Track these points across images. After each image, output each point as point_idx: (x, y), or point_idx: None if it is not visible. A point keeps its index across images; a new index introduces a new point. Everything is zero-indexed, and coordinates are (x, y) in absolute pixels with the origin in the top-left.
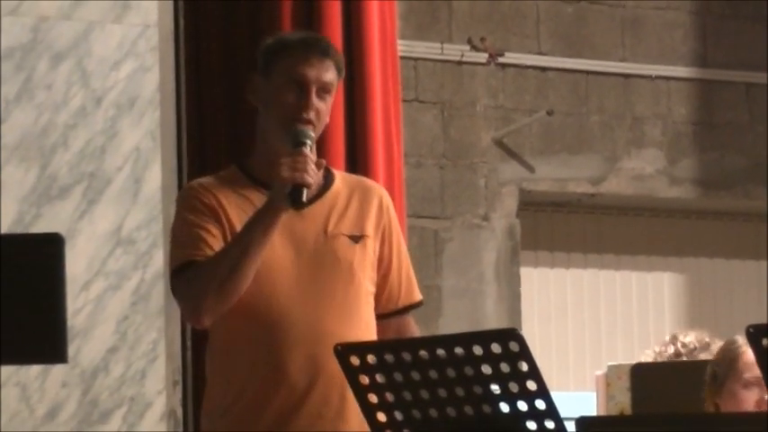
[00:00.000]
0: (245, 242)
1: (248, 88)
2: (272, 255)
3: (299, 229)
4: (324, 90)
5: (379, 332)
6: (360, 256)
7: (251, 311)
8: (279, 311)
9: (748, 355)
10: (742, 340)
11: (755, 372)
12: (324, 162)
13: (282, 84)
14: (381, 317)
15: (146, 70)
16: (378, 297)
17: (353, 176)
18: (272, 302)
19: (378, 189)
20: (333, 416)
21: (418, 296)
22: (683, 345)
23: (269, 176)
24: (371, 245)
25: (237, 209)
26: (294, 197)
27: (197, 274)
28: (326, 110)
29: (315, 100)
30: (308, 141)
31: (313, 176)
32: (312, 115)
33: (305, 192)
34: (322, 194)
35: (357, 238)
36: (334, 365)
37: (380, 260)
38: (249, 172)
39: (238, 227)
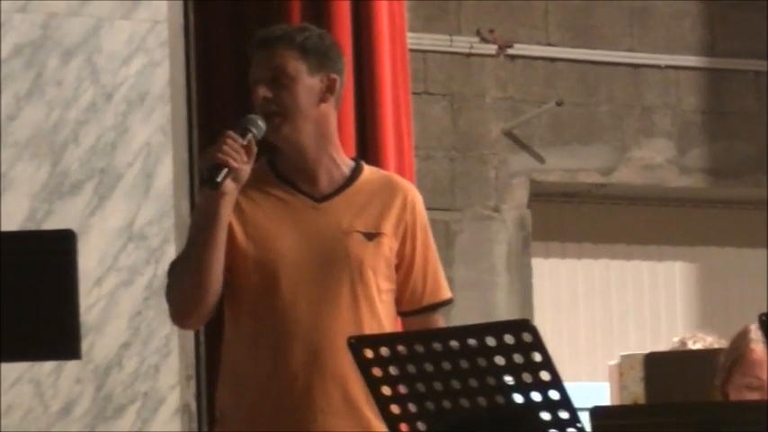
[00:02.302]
0: (193, 237)
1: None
2: (281, 247)
3: (315, 223)
4: (279, 78)
5: (404, 329)
6: (372, 253)
7: (256, 305)
8: (283, 306)
9: (756, 353)
10: (754, 333)
11: (759, 374)
12: (255, 149)
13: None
14: (406, 314)
15: (156, 65)
16: (400, 295)
17: (384, 173)
18: (276, 297)
19: (404, 187)
20: (335, 412)
21: (446, 294)
22: None
23: (292, 172)
24: (388, 243)
25: (253, 204)
26: (209, 176)
27: (169, 279)
28: (295, 94)
29: (262, 90)
30: (252, 128)
31: (235, 159)
32: (262, 103)
33: (222, 173)
34: (344, 189)
35: (372, 236)
36: (336, 362)
37: (401, 258)
38: (275, 167)
39: (255, 223)
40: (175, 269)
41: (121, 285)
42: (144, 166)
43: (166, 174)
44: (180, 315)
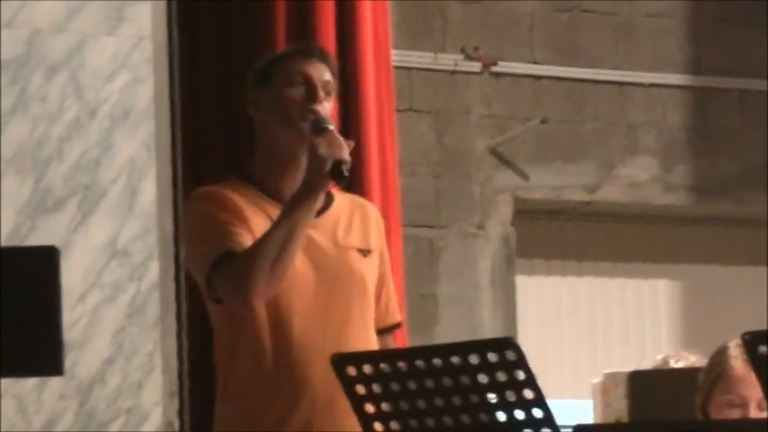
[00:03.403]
0: (289, 223)
1: (249, 104)
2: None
3: (314, 239)
4: (325, 91)
5: None
6: (369, 270)
7: (270, 323)
8: (299, 326)
9: (736, 370)
10: (732, 350)
11: (739, 391)
12: (353, 143)
13: (285, 85)
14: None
15: (140, 82)
16: None
17: (347, 194)
18: (292, 315)
19: (373, 207)
20: (355, 427)
21: (400, 316)
22: None
23: (273, 184)
24: (376, 260)
25: (254, 215)
26: (336, 173)
27: (243, 260)
28: (329, 111)
29: (321, 94)
30: (330, 126)
31: (348, 152)
32: (320, 109)
33: (345, 167)
34: (327, 207)
35: (365, 252)
36: None
37: (378, 277)
38: (254, 181)
39: (258, 233)
40: (262, 253)
41: (105, 302)
42: (128, 183)
43: (150, 190)
44: (258, 293)
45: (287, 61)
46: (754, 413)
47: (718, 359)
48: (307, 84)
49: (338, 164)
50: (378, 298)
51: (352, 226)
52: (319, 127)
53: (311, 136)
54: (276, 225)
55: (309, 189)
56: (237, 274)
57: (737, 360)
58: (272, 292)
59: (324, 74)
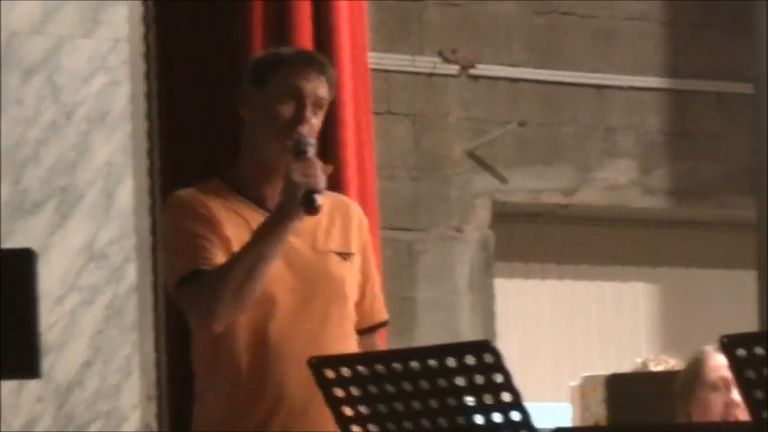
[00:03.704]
0: (259, 249)
1: (241, 100)
2: (271, 274)
3: (292, 245)
4: (317, 105)
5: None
6: (349, 274)
7: (248, 330)
8: (277, 331)
9: (713, 358)
10: (708, 347)
11: (720, 372)
12: (331, 168)
13: (278, 96)
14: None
15: (116, 84)
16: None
17: (330, 193)
18: (269, 320)
19: (355, 206)
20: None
21: (386, 315)
22: None
23: (258, 190)
24: (357, 262)
25: (231, 224)
26: (308, 202)
27: (209, 281)
28: (318, 126)
29: (309, 113)
30: (311, 148)
31: (323, 182)
32: (306, 130)
33: (318, 197)
34: None
35: (346, 256)
36: None
37: (361, 277)
38: (236, 186)
39: (234, 242)
40: (228, 276)
41: (82, 304)
42: (105, 186)
43: (127, 193)
44: (220, 319)
45: (285, 69)
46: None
47: (696, 356)
48: (298, 101)
49: (310, 192)
50: (362, 297)
51: (332, 229)
52: (299, 150)
53: (292, 156)
54: (245, 250)
55: (281, 215)
56: (200, 300)
57: (712, 355)
58: (236, 316)
59: (319, 88)
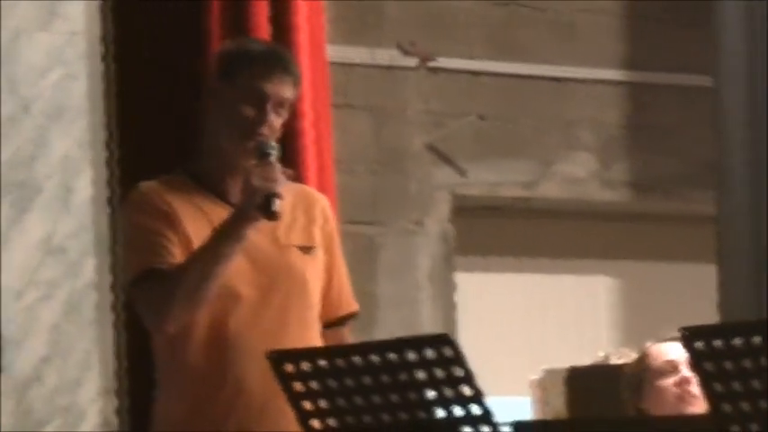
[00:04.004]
0: (215, 252)
1: (208, 90)
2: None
3: (252, 240)
4: (280, 106)
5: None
6: (311, 267)
7: (207, 325)
8: (236, 326)
9: (655, 347)
10: (648, 343)
11: (665, 357)
12: (291, 172)
13: (242, 97)
14: (323, 326)
15: (73, 78)
16: (321, 307)
17: (294, 184)
18: (228, 315)
19: (320, 198)
20: (291, 428)
21: (355, 305)
22: None
23: (220, 184)
24: (320, 255)
25: (192, 219)
26: (266, 207)
27: (163, 282)
28: (279, 125)
29: (271, 116)
30: (273, 152)
31: (283, 186)
32: (266, 131)
33: (276, 201)
34: None
35: (308, 249)
36: None
37: (326, 270)
38: (199, 179)
39: (194, 238)
40: (183, 278)
41: (41, 299)
42: (63, 180)
43: (85, 187)
44: (173, 320)
45: (250, 69)
46: (687, 372)
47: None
48: (261, 104)
49: (269, 197)
50: (328, 290)
51: (295, 222)
52: (261, 152)
53: (253, 158)
54: (201, 252)
55: (239, 219)
56: (154, 301)
57: (656, 346)
58: (190, 317)
59: (284, 90)
